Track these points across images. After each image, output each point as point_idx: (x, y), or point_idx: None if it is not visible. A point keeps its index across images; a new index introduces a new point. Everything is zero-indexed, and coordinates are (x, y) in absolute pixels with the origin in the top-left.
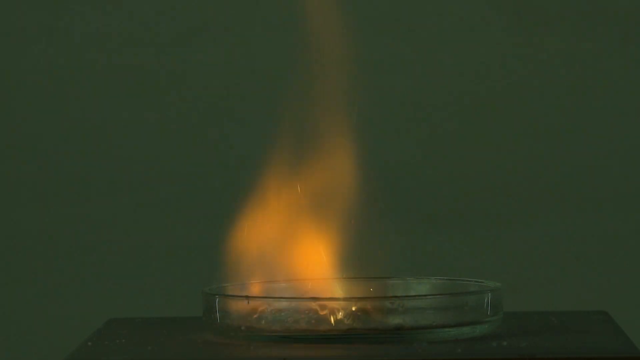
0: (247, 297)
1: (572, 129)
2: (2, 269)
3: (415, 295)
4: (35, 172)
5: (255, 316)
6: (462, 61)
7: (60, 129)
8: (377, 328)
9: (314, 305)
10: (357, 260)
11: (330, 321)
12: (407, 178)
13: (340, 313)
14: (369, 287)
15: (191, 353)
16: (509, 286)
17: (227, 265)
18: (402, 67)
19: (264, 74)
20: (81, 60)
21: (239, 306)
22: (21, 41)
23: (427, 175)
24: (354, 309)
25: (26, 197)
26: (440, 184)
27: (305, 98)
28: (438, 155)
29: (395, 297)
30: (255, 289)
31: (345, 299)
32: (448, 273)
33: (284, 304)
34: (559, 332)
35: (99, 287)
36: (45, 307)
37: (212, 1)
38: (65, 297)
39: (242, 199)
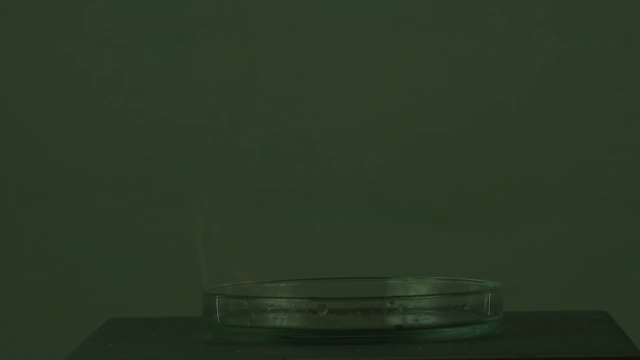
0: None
1: (572, 130)
2: (3, 269)
3: (415, 295)
4: (36, 172)
5: (255, 316)
6: (463, 61)
7: (61, 129)
8: (377, 328)
9: (313, 305)
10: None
11: (330, 321)
12: (407, 178)
13: (340, 313)
14: (369, 287)
15: (191, 353)
16: (509, 286)
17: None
18: (403, 65)
19: (264, 74)
20: (82, 61)
21: (239, 306)
22: (22, 41)
23: (427, 175)
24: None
25: (26, 198)
26: (440, 183)
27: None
28: (438, 156)
29: (395, 297)
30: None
31: (345, 299)
32: (448, 273)
33: (284, 303)
34: (559, 332)
35: (99, 287)
36: (46, 307)
37: (212, 1)
38: (65, 297)
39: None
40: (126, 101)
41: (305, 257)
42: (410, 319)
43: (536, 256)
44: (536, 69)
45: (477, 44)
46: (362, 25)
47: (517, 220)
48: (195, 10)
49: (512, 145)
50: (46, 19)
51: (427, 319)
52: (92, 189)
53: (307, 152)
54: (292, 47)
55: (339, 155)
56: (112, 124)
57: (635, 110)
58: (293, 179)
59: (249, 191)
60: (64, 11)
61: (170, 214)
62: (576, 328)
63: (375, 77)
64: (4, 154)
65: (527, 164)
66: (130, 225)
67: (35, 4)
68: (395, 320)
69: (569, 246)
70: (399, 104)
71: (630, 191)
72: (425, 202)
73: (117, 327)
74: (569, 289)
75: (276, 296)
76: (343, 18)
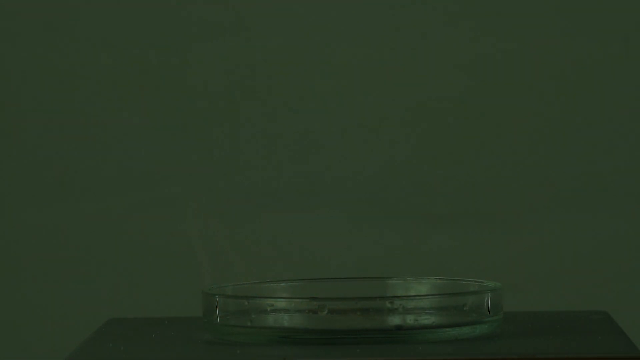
0: (247, 298)
1: (572, 130)
2: (3, 269)
3: (415, 295)
4: (35, 172)
5: (255, 316)
6: (460, 62)
7: (60, 129)
8: (377, 328)
9: (313, 305)
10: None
11: (330, 321)
12: (407, 178)
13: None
14: (369, 287)
15: (191, 353)
16: (509, 286)
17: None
18: (403, 65)
19: (264, 74)
20: (82, 61)
21: (239, 306)
22: (22, 41)
23: (427, 175)
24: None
25: (26, 198)
26: (440, 183)
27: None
28: (438, 156)
29: (395, 297)
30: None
31: (345, 299)
32: (448, 273)
33: (283, 303)
34: (559, 332)
35: (99, 287)
36: (46, 307)
37: (212, 1)
38: (66, 297)
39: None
40: (126, 101)
41: (305, 257)
42: (410, 319)
43: (536, 256)
44: (536, 69)
45: (476, 45)
46: (362, 25)
47: (517, 220)
48: (195, 10)
49: (512, 145)
50: (46, 19)
51: (427, 319)
52: (92, 189)
53: (307, 152)
54: (292, 46)
55: (339, 155)
56: (112, 123)
57: (635, 109)
58: (293, 179)
59: (249, 191)
60: (64, 11)
61: (170, 214)
62: (576, 328)
63: (375, 77)
64: (4, 154)
65: (527, 164)
66: (130, 225)
67: (35, 4)
68: (395, 320)
69: (569, 246)
70: (399, 103)
71: (630, 191)
72: (425, 202)
73: (117, 327)
74: (569, 289)
75: (276, 296)
76: (344, 18)
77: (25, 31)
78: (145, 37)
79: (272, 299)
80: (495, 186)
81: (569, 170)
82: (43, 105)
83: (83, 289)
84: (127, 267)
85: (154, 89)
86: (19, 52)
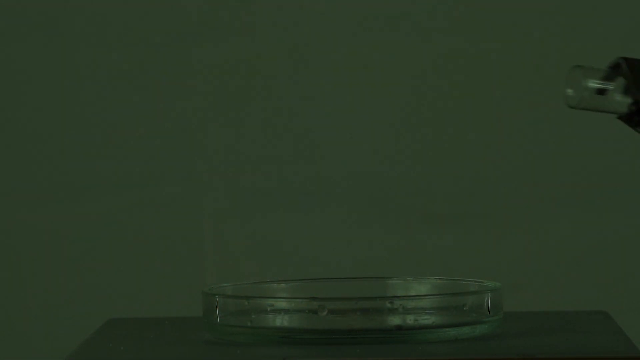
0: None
1: (572, 131)
2: (3, 269)
3: (415, 295)
4: (35, 172)
5: (255, 316)
6: (461, 61)
7: (60, 128)
8: (377, 328)
9: (313, 305)
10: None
11: (330, 321)
12: (407, 178)
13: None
14: (369, 287)
15: (191, 353)
16: (509, 286)
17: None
18: (405, 66)
19: (264, 73)
20: (81, 60)
21: (239, 306)
22: (21, 40)
23: (427, 175)
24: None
25: (26, 197)
26: (440, 184)
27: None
28: (438, 156)
29: (395, 297)
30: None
31: (345, 299)
32: (448, 273)
33: (283, 304)
34: (559, 332)
35: (99, 287)
36: (46, 307)
37: (212, 1)
38: (66, 297)
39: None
40: (126, 101)
41: (305, 257)
42: (410, 319)
43: (536, 256)
44: (536, 68)
45: (476, 45)
46: (362, 25)
47: (517, 220)
48: (195, 10)
49: (512, 145)
50: (46, 19)
51: (427, 319)
52: (92, 189)
53: (308, 152)
54: (293, 46)
55: (339, 155)
56: (112, 123)
57: None
58: (293, 179)
59: (249, 191)
60: (64, 11)
61: (171, 214)
62: (576, 328)
63: (376, 77)
64: (4, 153)
65: (528, 164)
66: (130, 225)
67: (35, 4)
68: (395, 320)
69: (569, 246)
70: (399, 104)
71: (630, 191)
72: (425, 202)
73: (117, 327)
74: (569, 289)
75: (276, 296)
76: (346, 18)
77: (24, 30)
78: (146, 37)
79: (272, 299)
80: (496, 186)
81: (569, 170)
82: (42, 105)
83: (83, 289)
84: (127, 267)
85: (154, 89)
86: (18, 51)
